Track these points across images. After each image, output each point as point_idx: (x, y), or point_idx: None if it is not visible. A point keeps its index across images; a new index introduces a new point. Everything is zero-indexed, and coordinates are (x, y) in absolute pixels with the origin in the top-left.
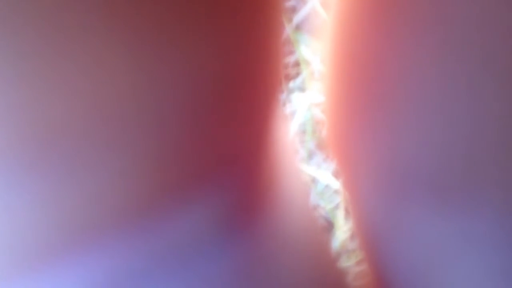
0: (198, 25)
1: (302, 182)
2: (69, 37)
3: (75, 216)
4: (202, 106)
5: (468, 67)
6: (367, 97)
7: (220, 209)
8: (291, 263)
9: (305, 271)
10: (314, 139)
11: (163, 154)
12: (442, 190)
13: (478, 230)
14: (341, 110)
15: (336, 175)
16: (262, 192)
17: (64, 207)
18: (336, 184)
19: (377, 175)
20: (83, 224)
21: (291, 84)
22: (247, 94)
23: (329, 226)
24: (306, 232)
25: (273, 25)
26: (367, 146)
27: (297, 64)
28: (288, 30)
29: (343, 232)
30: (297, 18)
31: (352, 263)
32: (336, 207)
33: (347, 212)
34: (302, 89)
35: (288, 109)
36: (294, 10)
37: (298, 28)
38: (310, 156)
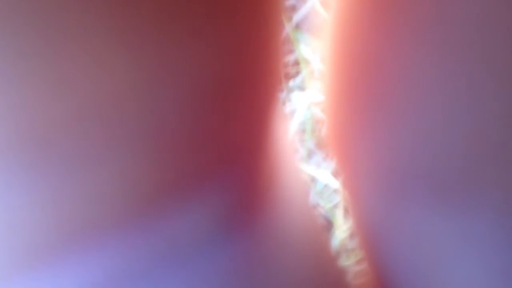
0: (198, 25)
1: (301, 181)
2: (69, 37)
3: (75, 216)
4: (201, 105)
5: (468, 67)
6: (367, 96)
7: (220, 209)
8: (290, 262)
9: (305, 270)
10: (313, 138)
11: (162, 154)
12: (442, 190)
13: (478, 230)
14: (341, 109)
15: (335, 174)
16: (261, 191)
17: (64, 207)
18: (336, 183)
19: (377, 175)
20: (83, 224)
21: (291, 83)
22: (247, 93)
23: (329, 225)
24: (306, 231)
25: (273, 24)
26: (367, 146)
27: (296, 63)
28: (288, 29)
29: (342, 231)
30: (297, 17)
31: (351, 262)
32: (336, 206)
33: (346, 211)
34: (301, 88)
35: (287, 108)
36: (294, 9)
37: (298, 27)
38: (310, 155)
